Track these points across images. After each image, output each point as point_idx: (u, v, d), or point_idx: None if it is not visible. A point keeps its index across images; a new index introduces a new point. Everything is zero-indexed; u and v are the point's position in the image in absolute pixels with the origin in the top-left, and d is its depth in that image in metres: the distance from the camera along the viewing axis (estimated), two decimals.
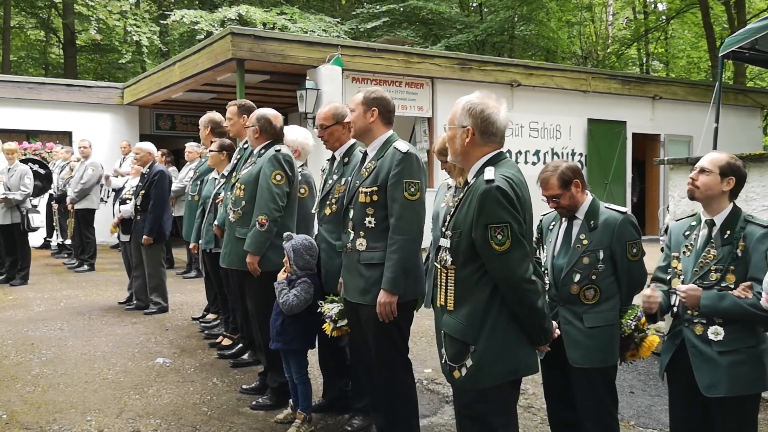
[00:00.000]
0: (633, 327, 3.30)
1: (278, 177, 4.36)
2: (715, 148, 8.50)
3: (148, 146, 7.58)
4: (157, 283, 7.41)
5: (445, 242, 2.68)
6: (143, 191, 7.24)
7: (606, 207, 3.38)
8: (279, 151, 4.45)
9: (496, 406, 2.59)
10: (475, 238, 2.52)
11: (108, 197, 11.97)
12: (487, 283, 2.55)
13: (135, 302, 7.63)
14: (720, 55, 9.17)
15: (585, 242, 3.31)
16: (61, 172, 11.58)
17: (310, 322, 4.07)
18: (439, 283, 2.69)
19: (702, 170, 3.09)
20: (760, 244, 2.93)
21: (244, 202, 4.49)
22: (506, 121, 2.66)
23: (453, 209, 2.69)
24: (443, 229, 2.74)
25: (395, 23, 21.87)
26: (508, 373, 2.58)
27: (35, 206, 9.34)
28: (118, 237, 7.89)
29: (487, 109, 2.61)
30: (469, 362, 2.56)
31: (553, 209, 3.45)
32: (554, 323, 2.72)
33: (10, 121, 13.54)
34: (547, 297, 3.23)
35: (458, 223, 2.62)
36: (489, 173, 2.53)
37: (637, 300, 3.44)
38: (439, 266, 2.71)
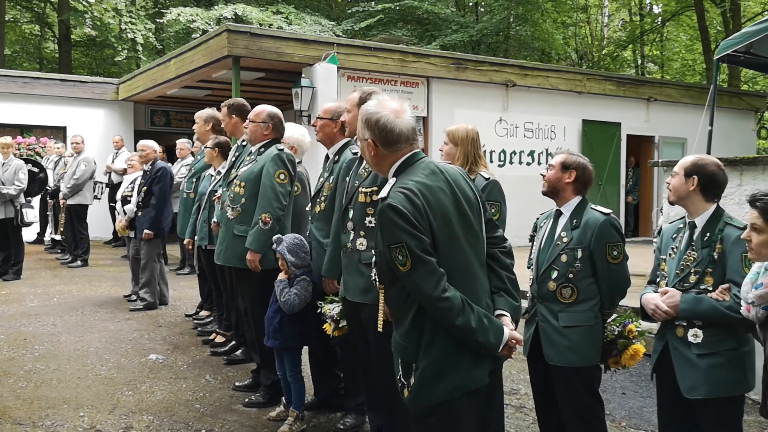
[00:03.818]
0: (616, 333, 3.28)
1: (282, 176, 4.38)
2: (709, 151, 8.54)
3: (152, 144, 7.61)
4: (148, 279, 7.41)
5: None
6: (145, 187, 7.29)
7: (591, 208, 3.38)
8: (282, 150, 4.47)
9: (447, 422, 2.48)
10: (386, 258, 2.44)
11: (102, 194, 11.95)
12: (414, 302, 2.44)
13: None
14: (715, 58, 9.22)
15: (565, 240, 3.31)
16: (55, 167, 11.54)
17: (306, 320, 4.08)
18: (379, 302, 2.66)
19: (673, 174, 3.15)
20: (736, 246, 2.92)
21: (243, 200, 4.49)
22: (409, 122, 2.56)
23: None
24: None
25: (390, 22, 21.88)
26: (453, 389, 2.45)
27: (29, 201, 9.31)
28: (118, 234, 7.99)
29: (382, 118, 2.52)
30: (412, 380, 2.47)
31: (543, 179, 3.47)
32: (507, 331, 2.48)
33: (4, 116, 13.47)
34: (529, 302, 3.21)
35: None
36: (385, 189, 2.45)
37: (628, 302, 3.46)
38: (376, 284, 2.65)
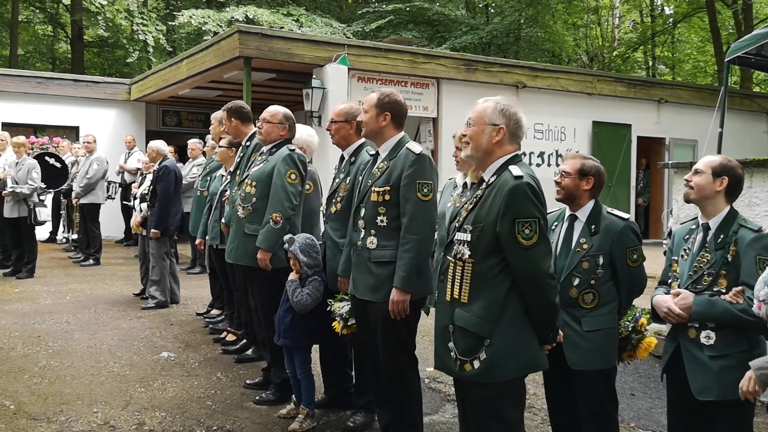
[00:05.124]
0: (630, 328, 3.33)
1: (293, 176, 4.42)
2: (719, 152, 8.53)
3: (157, 144, 7.69)
4: (159, 277, 7.47)
5: (463, 236, 2.72)
6: (151, 186, 7.42)
7: (608, 212, 3.38)
8: (293, 150, 4.50)
9: (514, 400, 2.70)
10: (500, 232, 2.61)
11: (115, 193, 12.03)
12: (507, 277, 2.65)
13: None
14: (726, 60, 9.21)
15: (585, 246, 3.31)
16: (72, 167, 11.63)
17: (316, 319, 4.12)
18: (451, 277, 2.74)
19: (696, 171, 3.13)
20: (750, 249, 2.93)
21: (254, 199, 4.52)
22: (526, 127, 2.89)
23: (471, 205, 2.75)
24: (457, 225, 2.80)
25: (401, 24, 21.92)
26: (523, 368, 2.68)
27: (42, 200, 9.41)
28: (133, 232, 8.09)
29: (518, 113, 2.81)
30: (483, 355, 2.63)
31: (557, 186, 3.44)
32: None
33: (18, 116, 13.58)
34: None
35: (480, 218, 2.70)
36: (516, 170, 2.66)
37: (639, 302, 3.48)
38: (453, 260, 2.75)
